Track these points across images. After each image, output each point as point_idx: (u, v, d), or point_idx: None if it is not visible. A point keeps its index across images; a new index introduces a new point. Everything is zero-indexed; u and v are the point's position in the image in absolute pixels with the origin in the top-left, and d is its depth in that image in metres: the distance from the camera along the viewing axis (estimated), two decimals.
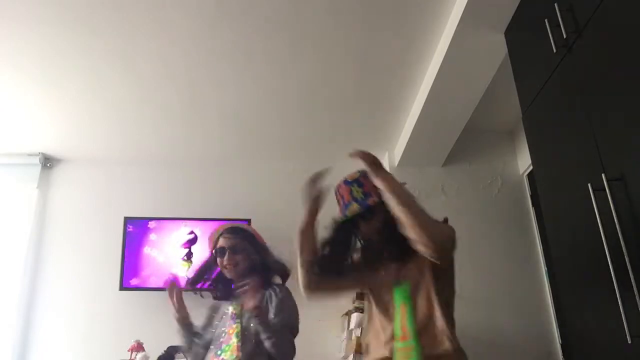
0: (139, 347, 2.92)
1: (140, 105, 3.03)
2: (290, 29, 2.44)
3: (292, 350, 2.01)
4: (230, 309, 2.08)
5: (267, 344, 1.93)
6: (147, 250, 3.33)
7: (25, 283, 3.33)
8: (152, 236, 3.36)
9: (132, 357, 2.88)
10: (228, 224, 2.28)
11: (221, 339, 2.02)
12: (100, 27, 2.38)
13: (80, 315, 3.29)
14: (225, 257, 2.10)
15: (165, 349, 2.88)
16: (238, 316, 2.04)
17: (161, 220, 3.40)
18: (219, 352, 1.98)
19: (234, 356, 1.94)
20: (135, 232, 3.35)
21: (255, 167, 3.68)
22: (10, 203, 3.48)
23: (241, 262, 2.11)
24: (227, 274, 2.12)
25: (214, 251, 2.17)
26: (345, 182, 1.79)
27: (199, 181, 3.63)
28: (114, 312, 3.28)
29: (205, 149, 3.56)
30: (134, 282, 3.27)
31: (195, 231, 3.36)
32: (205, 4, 2.27)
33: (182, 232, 3.37)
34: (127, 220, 3.37)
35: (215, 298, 2.20)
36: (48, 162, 3.61)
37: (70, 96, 2.92)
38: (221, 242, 2.14)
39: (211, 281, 2.18)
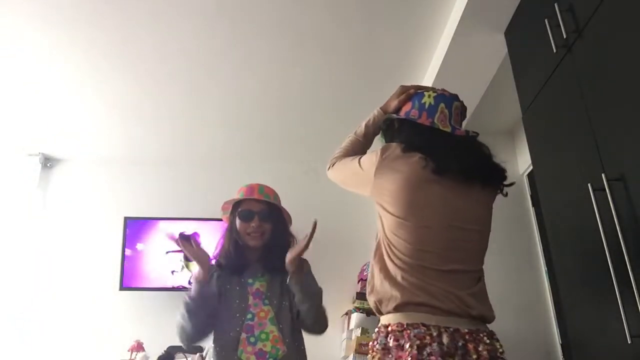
0: (139, 347, 2.92)
1: (141, 105, 3.03)
2: (291, 29, 2.44)
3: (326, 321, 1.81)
4: (253, 283, 1.80)
5: (304, 308, 1.73)
6: (145, 249, 3.34)
7: (26, 283, 3.33)
8: (152, 236, 3.36)
9: (132, 357, 2.88)
10: (255, 185, 1.94)
11: (248, 320, 1.73)
12: (101, 26, 2.38)
13: (80, 315, 3.29)
14: (254, 222, 1.82)
15: (165, 349, 2.88)
16: (267, 296, 1.78)
17: (160, 220, 3.40)
18: (252, 339, 1.70)
19: (279, 350, 1.70)
20: (136, 232, 3.36)
21: (255, 167, 3.68)
22: (10, 203, 3.48)
23: (267, 233, 1.84)
24: (249, 242, 1.83)
25: (231, 216, 1.87)
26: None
27: (199, 181, 3.63)
28: (114, 312, 3.28)
29: (206, 148, 3.56)
30: (133, 282, 3.27)
31: (196, 230, 3.34)
32: (206, 4, 2.27)
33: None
34: (128, 221, 3.38)
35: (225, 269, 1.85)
36: (48, 162, 3.61)
37: (71, 96, 2.92)
38: (249, 205, 1.86)
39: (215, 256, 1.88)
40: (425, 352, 1.22)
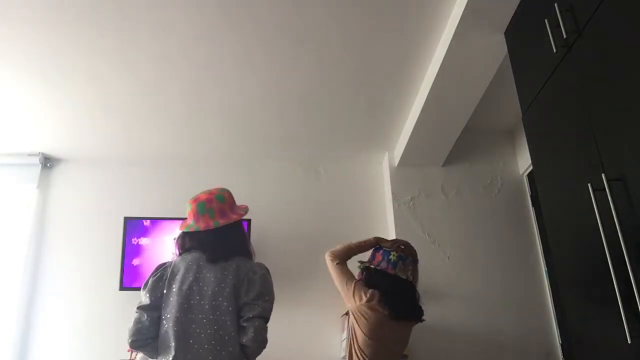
0: None
1: (141, 105, 3.03)
2: (291, 30, 2.44)
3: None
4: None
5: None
6: (146, 245, 3.34)
7: (25, 283, 3.33)
8: (151, 235, 3.36)
9: (132, 357, 2.88)
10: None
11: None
12: (101, 26, 2.38)
13: (80, 315, 3.29)
14: None
15: None
16: None
17: (161, 221, 3.40)
18: None
19: None
20: (136, 233, 3.35)
21: (256, 167, 3.68)
22: (10, 203, 3.48)
23: None
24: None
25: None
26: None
27: (199, 181, 3.61)
28: (114, 312, 3.28)
29: (205, 149, 3.56)
30: (133, 282, 3.27)
31: None
32: (206, 5, 2.27)
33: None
34: (127, 221, 3.37)
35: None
36: (48, 162, 3.61)
37: (71, 96, 2.92)
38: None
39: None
40: None
